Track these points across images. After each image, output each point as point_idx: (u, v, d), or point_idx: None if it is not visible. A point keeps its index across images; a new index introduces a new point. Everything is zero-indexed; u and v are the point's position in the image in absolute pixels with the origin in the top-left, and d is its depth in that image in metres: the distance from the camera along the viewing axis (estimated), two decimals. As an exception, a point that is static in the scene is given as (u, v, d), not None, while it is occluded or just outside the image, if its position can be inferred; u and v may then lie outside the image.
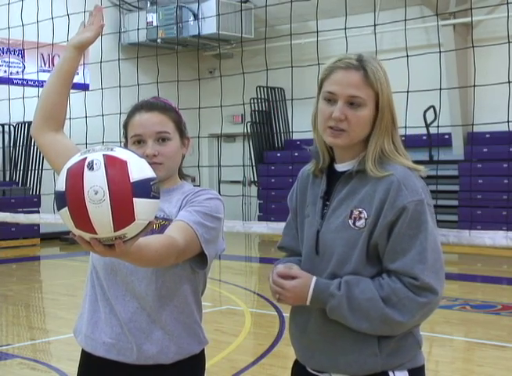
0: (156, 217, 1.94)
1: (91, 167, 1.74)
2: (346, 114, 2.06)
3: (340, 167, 2.15)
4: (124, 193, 1.74)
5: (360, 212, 2.05)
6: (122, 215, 1.73)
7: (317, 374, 2.18)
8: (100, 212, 1.71)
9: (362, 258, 2.05)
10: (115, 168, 1.75)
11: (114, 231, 1.74)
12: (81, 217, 1.73)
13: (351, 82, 2.06)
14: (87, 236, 1.76)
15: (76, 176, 1.74)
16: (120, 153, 1.80)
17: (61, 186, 1.76)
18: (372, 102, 2.08)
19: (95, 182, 1.72)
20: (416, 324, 2.09)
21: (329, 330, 2.11)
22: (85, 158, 1.77)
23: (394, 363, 2.08)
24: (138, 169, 1.79)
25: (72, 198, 1.73)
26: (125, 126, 2.39)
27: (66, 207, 1.74)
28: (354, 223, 2.06)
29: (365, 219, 2.04)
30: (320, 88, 2.13)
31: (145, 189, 1.77)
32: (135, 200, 1.74)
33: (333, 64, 2.10)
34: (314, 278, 2.06)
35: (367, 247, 2.05)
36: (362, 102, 2.06)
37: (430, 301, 2.03)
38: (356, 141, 2.10)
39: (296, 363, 2.26)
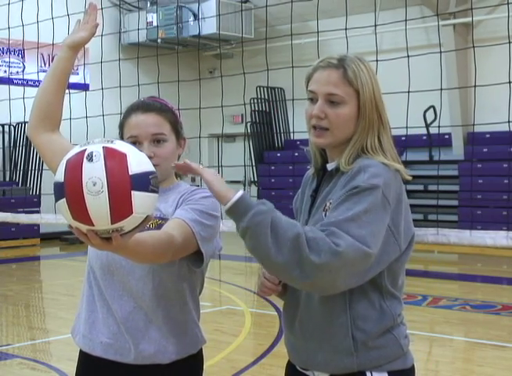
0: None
1: (90, 158, 1.73)
2: (326, 112, 2.07)
3: (329, 166, 2.16)
4: (123, 186, 1.73)
5: (331, 203, 2.05)
6: (120, 207, 1.72)
7: (304, 371, 2.18)
8: (98, 204, 1.71)
9: None
10: (114, 160, 1.75)
11: (111, 223, 1.73)
12: (79, 208, 1.72)
13: (330, 80, 2.07)
14: (84, 228, 1.75)
15: (75, 167, 1.74)
16: (120, 145, 1.80)
17: (60, 176, 1.76)
18: (353, 100, 2.07)
19: (94, 173, 1.72)
20: (321, 282, 1.91)
21: (310, 327, 2.11)
22: (85, 150, 1.76)
23: (372, 363, 2.06)
24: (138, 162, 1.78)
25: (70, 189, 1.72)
26: (121, 127, 2.38)
27: (64, 199, 1.74)
28: (325, 215, 2.06)
29: None
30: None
31: (143, 182, 1.77)
32: (133, 193, 1.74)
33: (316, 65, 2.12)
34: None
35: None
36: (341, 99, 2.06)
37: (341, 253, 1.87)
38: (341, 140, 2.09)
39: (288, 362, 2.27)
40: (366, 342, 2.05)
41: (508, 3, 5.16)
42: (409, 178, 2.11)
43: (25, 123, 12.72)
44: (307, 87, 2.13)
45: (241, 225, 1.93)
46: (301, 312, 2.13)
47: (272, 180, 14.77)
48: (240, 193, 1.94)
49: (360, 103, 2.07)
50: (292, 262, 1.88)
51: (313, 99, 2.10)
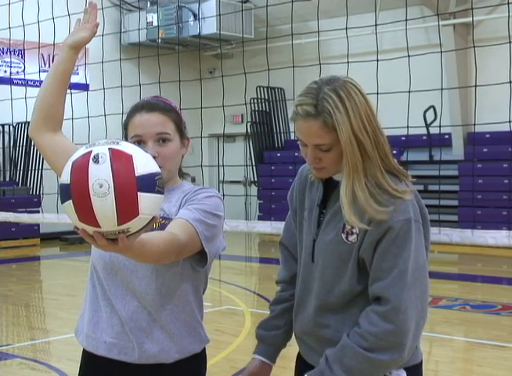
0: None
1: (96, 160, 1.73)
2: (319, 157, 2.09)
3: (336, 177, 2.17)
4: (129, 187, 1.73)
5: (352, 227, 2.09)
6: (126, 208, 1.72)
7: None
8: (104, 205, 1.70)
9: (355, 271, 2.10)
10: (120, 161, 1.74)
11: (118, 225, 1.73)
12: (85, 210, 1.71)
13: (312, 132, 2.05)
14: (90, 229, 1.75)
15: (81, 169, 1.73)
16: (126, 147, 1.80)
17: (66, 178, 1.76)
18: (338, 142, 2.05)
19: (100, 175, 1.71)
20: (416, 342, 2.10)
21: (329, 333, 2.15)
22: (91, 151, 1.76)
23: None
24: (143, 164, 1.78)
25: (76, 191, 1.72)
26: (125, 126, 2.37)
27: (71, 200, 1.73)
28: (347, 238, 2.10)
29: (357, 235, 2.08)
30: None
31: (149, 183, 1.77)
32: (139, 194, 1.74)
33: (295, 109, 2.09)
34: None
35: (357, 262, 2.10)
36: (329, 147, 2.07)
37: (407, 324, 2.02)
38: (338, 172, 2.12)
39: (299, 358, 2.30)
40: None
41: (508, 3, 5.17)
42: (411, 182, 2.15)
43: (25, 123, 12.74)
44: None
45: None
46: (314, 313, 2.18)
47: (272, 180, 14.77)
48: None
49: (342, 145, 2.04)
50: (388, 368, 2.06)
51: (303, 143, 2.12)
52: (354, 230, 2.08)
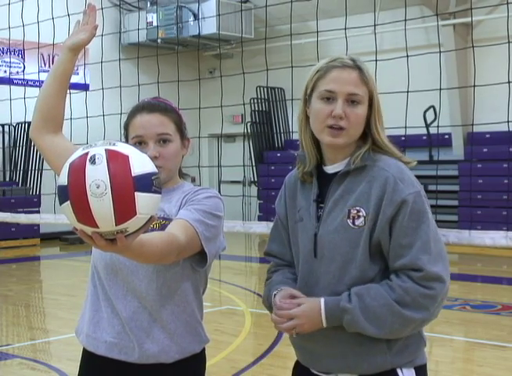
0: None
1: (93, 161, 1.74)
2: (346, 112, 2.08)
3: (330, 168, 2.16)
4: (126, 187, 1.74)
5: (358, 211, 2.07)
6: (123, 208, 1.73)
7: (322, 375, 2.18)
8: (102, 206, 1.72)
9: (366, 256, 2.07)
10: (117, 162, 1.76)
11: (116, 225, 1.74)
12: (83, 211, 1.73)
13: (350, 80, 2.08)
14: (89, 230, 1.77)
15: (78, 170, 1.75)
16: (122, 147, 1.81)
17: (63, 180, 1.77)
18: (367, 100, 2.11)
19: (97, 176, 1.73)
20: (435, 316, 2.08)
21: (337, 335, 2.10)
22: (87, 152, 1.77)
23: (403, 360, 2.11)
24: (140, 164, 1.79)
25: (74, 192, 1.74)
26: (126, 127, 2.39)
27: (68, 201, 1.75)
28: (353, 222, 2.08)
29: (364, 217, 2.06)
30: (312, 89, 2.13)
31: (146, 183, 1.78)
32: (136, 194, 1.75)
33: (327, 64, 2.12)
34: (322, 299, 2.07)
35: (369, 245, 2.07)
36: (360, 99, 2.09)
37: (440, 291, 2.03)
38: (353, 139, 2.12)
39: (298, 365, 2.27)
40: (398, 340, 2.09)
41: (508, 3, 5.17)
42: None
43: (25, 123, 12.73)
44: (312, 89, 2.12)
45: (344, 323, 2.06)
46: None
47: (272, 180, 14.76)
48: (322, 309, 2.06)
49: (373, 103, 2.12)
50: (400, 328, 2.03)
51: (329, 98, 2.09)
52: (360, 213, 2.06)
